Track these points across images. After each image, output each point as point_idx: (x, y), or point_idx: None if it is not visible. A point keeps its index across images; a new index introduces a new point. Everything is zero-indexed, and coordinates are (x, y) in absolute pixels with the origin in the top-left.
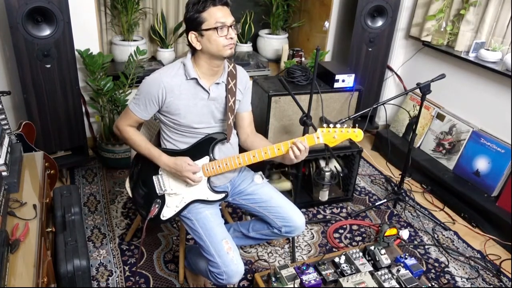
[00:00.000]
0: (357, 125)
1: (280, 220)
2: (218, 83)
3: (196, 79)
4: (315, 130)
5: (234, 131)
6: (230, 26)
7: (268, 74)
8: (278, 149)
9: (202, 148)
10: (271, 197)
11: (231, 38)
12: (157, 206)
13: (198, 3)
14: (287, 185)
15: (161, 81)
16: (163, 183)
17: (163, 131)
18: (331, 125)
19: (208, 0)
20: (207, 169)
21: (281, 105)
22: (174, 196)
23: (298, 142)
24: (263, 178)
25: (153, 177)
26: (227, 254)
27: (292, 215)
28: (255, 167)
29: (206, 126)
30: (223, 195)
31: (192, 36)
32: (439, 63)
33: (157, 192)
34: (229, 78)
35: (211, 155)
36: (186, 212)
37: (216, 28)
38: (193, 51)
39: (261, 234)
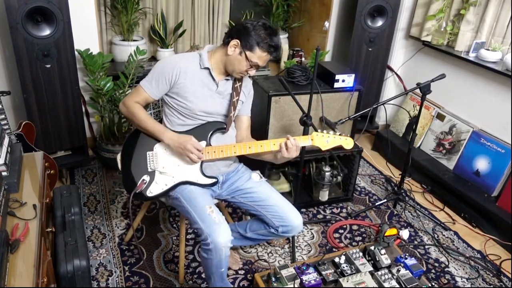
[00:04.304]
0: (348, 135)
1: (278, 220)
2: (227, 79)
3: (209, 69)
4: (315, 130)
5: (233, 125)
6: (258, 67)
7: (268, 74)
8: (274, 144)
9: (201, 132)
10: (269, 196)
11: (249, 74)
12: (144, 181)
13: (264, 40)
14: (285, 186)
15: (177, 62)
16: (156, 160)
17: (165, 114)
18: (325, 131)
19: (271, 49)
20: (202, 153)
21: (281, 105)
22: (165, 174)
23: (291, 138)
24: (261, 177)
25: (147, 152)
26: (209, 215)
27: (289, 215)
28: (254, 167)
29: (209, 116)
30: (213, 180)
31: (235, 42)
32: (439, 63)
33: (148, 167)
34: (236, 79)
35: (208, 140)
36: (173, 193)
37: (251, 64)
38: (220, 46)
39: (258, 234)
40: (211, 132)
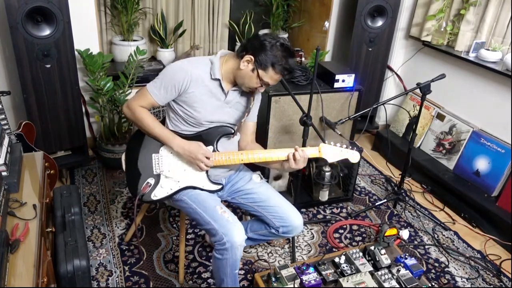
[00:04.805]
0: (355, 148)
1: (278, 220)
2: (236, 90)
3: (219, 80)
4: (315, 130)
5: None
6: (268, 86)
7: None
8: (281, 154)
9: (208, 136)
10: (269, 197)
11: (258, 91)
12: (149, 184)
13: (280, 62)
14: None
15: (189, 70)
16: (162, 163)
17: (169, 117)
18: (332, 142)
19: (285, 71)
20: None
21: (281, 105)
22: (171, 178)
23: (299, 149)
24: (261, 178)
25: (153, 155)
26: (222, 216)
27: (290, 215)
28: (255, 168)
29: (214, 124)
30: (219, 186)
31: (249, 58)
32: (439, 63)
33: (153, 170)
34: None
35: (215, 146)
36: (177, 196)
37: (261, 83)
38: (233, 56)
39: (259, 235)
40: (218, 138)
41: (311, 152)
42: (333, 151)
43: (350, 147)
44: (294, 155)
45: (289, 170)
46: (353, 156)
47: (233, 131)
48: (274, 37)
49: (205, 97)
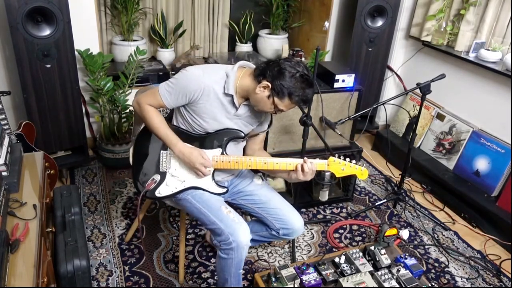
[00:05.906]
0: (364, 164)
1: (278, 222)
2: (247, 105)
3: (232, 96)
4: (315, 130)
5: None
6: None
7: None
8: (290, 163)
9: (218, 138)
10: (270, 199)
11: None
12: (154, 181)
13: (297, 92)
14: (281, 186)
15: (203, 82)
16: (169, 161)
17: (177, 118)
18: (341, 157)
19: (301, 102)
20: (216, 161)
21: None
22: (176, 178)
23: (308, 161)
24: (262, 180)
25: (161, 151)
26: (228, 216)
27: (290, 217)
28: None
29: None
30: (224, 189)
31: (265, 85)
32: (439, 63)
33: (160, 167)
34: None
35: (224, 148)
36: (181, 195)
37: (276, 110)
38: (251, 75)
39: (259, 236)
40: (227, 141)
41: (319, 165)
42: (341, 167)
43: (359, 163)
44: (302, 166)
45: (295, 181)
46: (362, 173)
47: (243, 135)
48: (294, 65)
49: (216, 109)
